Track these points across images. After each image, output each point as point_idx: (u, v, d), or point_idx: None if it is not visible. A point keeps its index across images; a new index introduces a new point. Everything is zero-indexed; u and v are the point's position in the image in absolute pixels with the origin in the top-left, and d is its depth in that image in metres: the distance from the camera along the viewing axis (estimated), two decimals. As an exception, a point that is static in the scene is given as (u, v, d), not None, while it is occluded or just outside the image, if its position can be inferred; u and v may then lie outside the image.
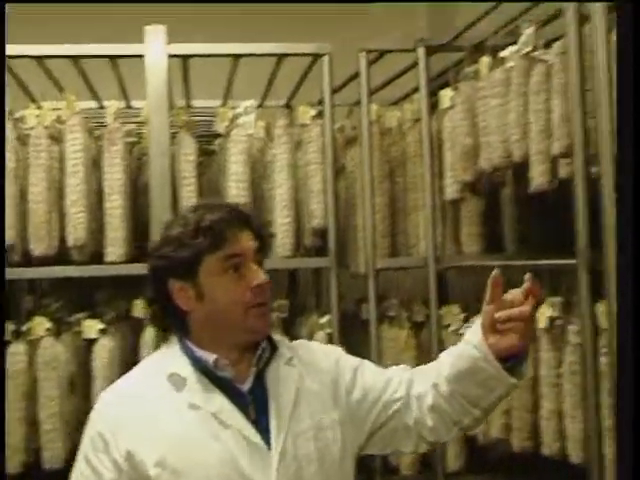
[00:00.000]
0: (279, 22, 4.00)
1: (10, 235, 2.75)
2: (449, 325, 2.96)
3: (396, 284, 3.35)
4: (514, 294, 1.50)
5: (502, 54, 2.60)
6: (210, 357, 1.54)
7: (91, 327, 2.90)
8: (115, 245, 2.87)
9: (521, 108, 2.46)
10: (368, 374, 1.66)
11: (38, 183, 2.81)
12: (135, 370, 1.65)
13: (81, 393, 2.89)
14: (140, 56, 2.82)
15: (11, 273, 2.61)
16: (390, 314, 3.15)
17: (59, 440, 2.76)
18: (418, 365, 1.72)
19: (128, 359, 2.94)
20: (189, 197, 2.93)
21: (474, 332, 1.54)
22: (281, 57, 3.02)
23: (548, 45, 2.44)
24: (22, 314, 2.90)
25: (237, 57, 3.01)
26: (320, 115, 3.01)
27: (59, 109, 2.94)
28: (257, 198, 3.02)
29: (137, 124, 3.27)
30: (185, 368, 1.54)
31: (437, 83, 3.12)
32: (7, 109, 2.79)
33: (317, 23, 3.99)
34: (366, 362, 1.71)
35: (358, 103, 3.10)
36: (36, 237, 2.80)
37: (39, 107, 3.05)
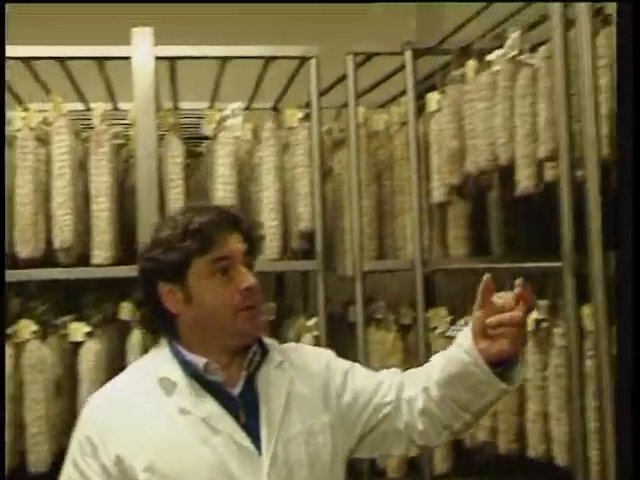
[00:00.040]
0: (267, 25, 3.99)
1: (-4, 237, 2.74)
2: (436, 328, 2.97)
3: (383, 287, 3.36)
4: (505, 299, 1.50)
5: (488, 58, 2.60)
6: (200, 361, 1.54)
7: (77, 330, 2.89)
8: (102, 248, 2.86)
9: (507, 112, 2.47)
10: (359, 377, 1.66)
11: (25, 185, 2.80)
12: (124, 374, 1.65)
13: (67, 396, 2.87)
14: (127, 58, 2.81)
15: (-3, 275, 2.60)
16: (377, 317, 3.16)
17: (45, 443, 2.75)
18: (405, 368, 1.72)
19: (115, 362, 2.93)
20: (176, 199, 2.92)
21: (465, 336, 1.54)
22: (268, 60, 3.02)
23: (534, 49, 2.45)
24: (8, 317, 2.88)
25: (224, 59, 3.01)
26: (307, 118, 3.02)
27: (46, 111, 2.93)
28: (244, 201, 3.01)
29: (124, 126, 3.26)
30: (175, 372, 1.54)
31: (424, 86, 3.13)
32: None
33: (304, 26, 3.98)
34: (357, 365, 1.71)
35: (345, 106, 3.10)
36: (22, 239, 2.79)
37: (25, 109, 3.04)
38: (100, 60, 2.94)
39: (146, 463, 1.46)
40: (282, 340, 1.93)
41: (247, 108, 3.35)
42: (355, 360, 1.77)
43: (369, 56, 3.14)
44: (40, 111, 2.94)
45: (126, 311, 2.93)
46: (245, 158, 3.11)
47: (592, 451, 2.18)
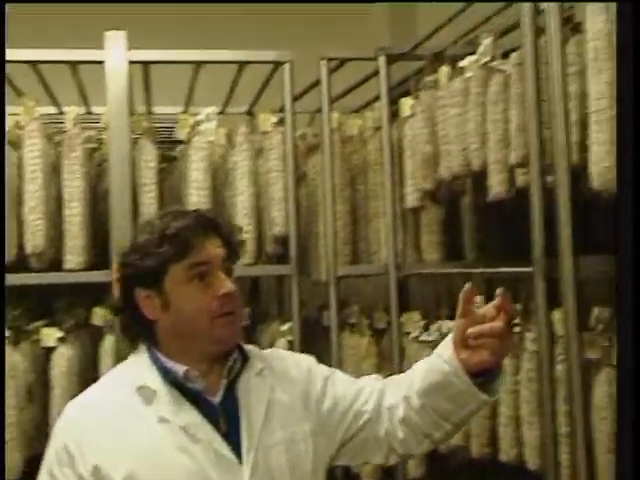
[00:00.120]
0: (240, 30, 3.99)
1: (-34, 242, 2.72)
2: (410, 332, 2.98)
3: (357, 291, 3.37)
4: (486, 309, 1.48)
5: (461, 64, 2.62)
6: (180, 368, 1.52)
7: (50, 335, 2.87)
8: (74, 253, 2.84)
9: (479, 118, 2.49)
10: (339, 384, 1.65)
11: (-4, 189, 2.78)
12: (102, 381, 1.62)
13: (39, 402, 2.85)
14: (100, 62, 2.80)
15: (-33, 281, 2.57)
16: (351, 321, 3.16)
17: (17, 450, 2.72)
18: (380, 372, 1.72)
19: (87, 368, 2.92)
20: (150, 204, 2.91)
21: (446, 346, 1.53)
22: (242, 64, 3.02)
23: (506, 55, 2.46)
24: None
25: (198, 64, 3.01)
26: (281, 122, 3.02)
27: (17, 114, 2.91)
28: (218, 205, 3.01)
29: (97, 130, 3.24)
30: (154, 380, 1.52)
31: (398, 91, 3.14)
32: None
33: (278, 31, 3.99)
34: (337, 372, 1.70)
35: (319, 111, 3.11)
36: (-7, 244, 2.77)
37: (-3, 113, 3.01)
38: (73, 64, 2.93)
39: (125, 473, 1.44)
40: (256, 345, 1.93)
41: (221, 113, 3.35)
42: (329, 365, 1.76)
43: (343, 61, 3.15)
44: (12, 115, 2.91)
45: (99, 316, 2.92)
46: (219, 163, 3.11)
47: (563, 455, 2.19)
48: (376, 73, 3.07)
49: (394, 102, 3.08)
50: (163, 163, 3.21)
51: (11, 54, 2.80)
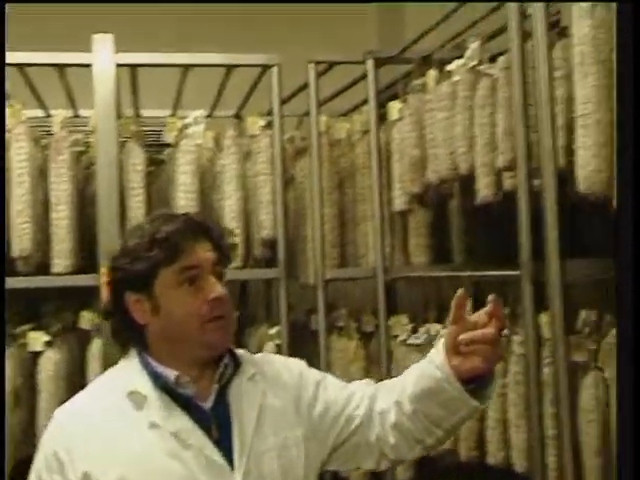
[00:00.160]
0: (229, 33, 3.99)
1: (-47, 246, 2.71)
2: (398, 335, 2.98)
3: (345, 295, 3.37)
4: (478, 315, 1.47)
5: (449, 67, 2.63)
6: (171, 374, 1.51)
7: (37, 339, 2.86)
8: (61, 256, 2.83)
9: (467, 121, 2.49)
10: (330, 388, 1.64)
11: (-18, 193, 2.77)
12: (92, 386, 1.61)
13: (26, 406, 2.84)
14: (88, 65, 2.79)
15: (-47, 285, 2.56)
16: (339, 325, 3.17)
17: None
18: (367, 375, 1.72)
19: (74, 372, 2.91)
20: (137, 207, 2.91)
21: (437, 352, 1.52)
22: (230, 68, 3.02)
23: (493, 59, 2.47)
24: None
25: (186, 67, 3.00)
26: (269, 126, 3.02)
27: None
28: (206, 208, 3.00)
29: (85, 133, 3.24)
30: (145, 385, 1.51)
31: (386, 95, 3.15)
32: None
33: (266, 34, 3.99)
34: (329, 376, 1.69)
35: (307, 114, 3.11)
36: (-20, 248, 2.75)
37: (-17, 116, 3.00)
38: (60, 67, 2.92)
39: (115, 479, 1.43)
40: (244, 349, 1.92)
41: (209, 116, 3.34)
42: (317, 368, 1.76)
43: (331, 64, 3.15)
44: (-2, 118, 2.90)
45: (86, 320, 2.91)
46: (207, 166, 3.11)
47: (550, 457, 2.20)
48: (364, 76, 3.08)
49: (382, 105, 3.08)
50: (151, 166, 3.21)
51: (-2, 56, 2.81)
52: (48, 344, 2.85)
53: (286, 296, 2.92)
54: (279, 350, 2.87)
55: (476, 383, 1.50)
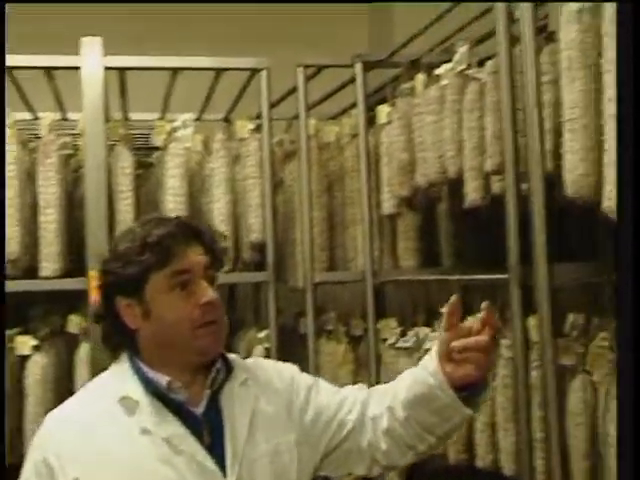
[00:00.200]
0: (218, 36, 3.99)
1: (-60, 249, 2.69)
2: (386, 339, 2.98)
3: (334, 298, 3.37)
4: (472, 322, 1.47)
5: (437, 72, 2.63)
6: (163, 379, 1.49)
7: (24, 343, 2.84)
8: (50, 260, 2.82)
9: (455, 125, 2.50)
10: (322, 393, 1.63)
11: (-31, 196, 2.76)
12: (83, 391, 1.60)
13: (14, 410, 2.82)
14: (76, 68, 2.79)
15: (-60, 288, 2.55)
16: (328, 328, 3.17)
17: (-10, 459, 2.70)
18: (356, 378, 1.71)
19: (62, 376, 2.90)
20: (126, 211, 2.90)
21: (431, 358, 1.51)
22: (219, 71, 3.02)
23: (482, 63, 2.48)
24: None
25: (175, 71, 3.00)
26: (258, 129, 3.02)
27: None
28: (195, 212, 3.00)
29: (73, 136, 3.23)
30: (137, 390, 1.49)
31: (375, 98, 3.16)
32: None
33: (255, 38, 3.99)
34: (321, 381, 1.68)
35: (296, 117, 3.11)
36: (-33, 251, 2.74)
37: (-29, 118, 2.99)
38: (48, 70, 2.91)
39: None
40: (233, 352, 1.92)
41: (198, 119, 3.35)
42: (306, 372, 1.75)
43: (320, 68, 3.16)
44: (-14, 121, 2.89)
45: (74, 324, 2.90)
46: (196, 169, 3.11)
47: (538, 460, 2.20)
48: (353, 80, 3.08)
49: (371, 109, 3.09)
50: (139, 170, 3.20)
51: (-15, 60, 2.80)
52: (36, 348, 2.84)
53: (275, 299, 2.92)
54: (268, 354, 2.87)
55: (469, 391, 1.49)
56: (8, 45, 2.66)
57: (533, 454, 2.21)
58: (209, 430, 1.49)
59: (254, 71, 3.00)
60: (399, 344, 2.91)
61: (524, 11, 2.11)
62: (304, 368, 1.89)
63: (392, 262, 3.10)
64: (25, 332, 2.91)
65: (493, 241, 2.49)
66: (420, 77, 2.75)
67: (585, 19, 1.94)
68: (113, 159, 2.94)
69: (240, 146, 3.08)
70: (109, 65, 2.82)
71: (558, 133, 2.06)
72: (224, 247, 1.61)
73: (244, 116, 3.14)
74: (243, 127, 3.07)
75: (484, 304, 1.46)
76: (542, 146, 2.08)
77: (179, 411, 1.49)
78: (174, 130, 3.00)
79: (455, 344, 1.46)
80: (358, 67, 3.03)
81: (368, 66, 3.04)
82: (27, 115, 3.33)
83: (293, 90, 3.13)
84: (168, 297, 1.49)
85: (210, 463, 1.46)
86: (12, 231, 2.76)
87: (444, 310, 1.49)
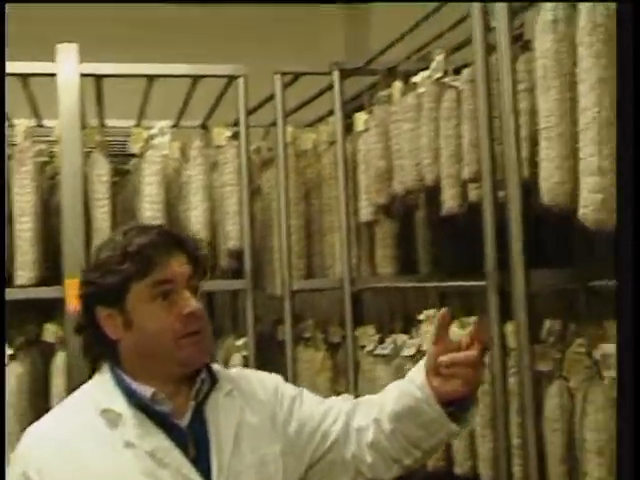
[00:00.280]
0: (194, 43, 3.98)
1: None
2: (365, 346, 2.99)
3: (312, 305, 3.37)
4: (461, 338, 1.45)
5: (414, 79, 2.65)
6: (147, 391, 1.46)
7: None
8: (25, 268, 2.80)
9: (432, 133, 2.51)
10: (306, 404, 1.60)
11: (-57, 204, 2.73)
12: (65, 404, 1.56)
13: (-12, 420, 2.80)
14: (52, 75, 2.77)
15: None
16: (306, 335, 3.17)
17: (-36, 470, 2.67)
18: (334, 386, 1.70)
19: (38, 385, 2.87)
20: (102, 219, 2.89)
21: (418, 371, 1.50)
22: (196, 78, 3.02)
23: (458, 71, 2.49)
24: None
25: (151, 77, 2.99)
26: (236, 136, 3.02)
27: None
28: (172, 219, 2.99)
29: (49, 143, 3.21)
30: (119, 403, 1.46)
31: (352, 106, 3.17)
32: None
33: (232, 45, 3.99)
34: (305, 392, 1.65)
35: (274, 125, 3.12)
36: (-59, 260, 2.71)
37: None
38: (24, 76, 2.90)
39: None
40: (211, 361, 1.91)
41: (175, 126, 3.34)
42: (284, 379, 1.75)
43: (297, 76, 3.17)
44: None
45: (50, 332, 2.87)
46: (173, 176, 3.10)
47: (515, 467, 2.21)
48: (330, 88, 3.09)
49: (348, 116, 3.10)
50: (116, 177, 3.19)
51: (-40, 66, 2.77)
52: (11, 357, 2.80)
53: (253, 307, 2.92)
54: (246, 361, 2.87)
55: (456, 406, 1.47)
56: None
57: (511, 460, 2.21)
58: (194, 442, 1.46)
59: (231, 78, 3.00)
60: (377, 351, 2.91)
61: (500, 20, 2.13)
62: (282, 376, 1.89)
63: (370, 269, 3.11)
64: (0, 341, 2.88)
65: (470, 248, 2.50)
66: (397, 85, 2.76)
67: (560, 29, 1.95)
68: (89, 166, 2.92)
69: (217, 153, 3.08)
70: (85, 72, 2.81)
71: (534, 141, 2.07)
72: (208, 256, 1.59)
73: (221, 123, 3.14)
74: (220, 134, 3.06)
75: (472, 319, 1.45)
76: (518, 154, 2.09)
77: (163, 423, 1.46)
78: (151, 137, 3.00)
79: (443, 359, 1.43)
80: (335, 75, 3.04)
81: (345, 74, 3.06)
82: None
83: (270, 97, 3.13)
84: (150, 307, 1.46)
85: (195, 476, 1.43)
86: (-14, 239, 2.74)
87: (436, 319, 1.47)
